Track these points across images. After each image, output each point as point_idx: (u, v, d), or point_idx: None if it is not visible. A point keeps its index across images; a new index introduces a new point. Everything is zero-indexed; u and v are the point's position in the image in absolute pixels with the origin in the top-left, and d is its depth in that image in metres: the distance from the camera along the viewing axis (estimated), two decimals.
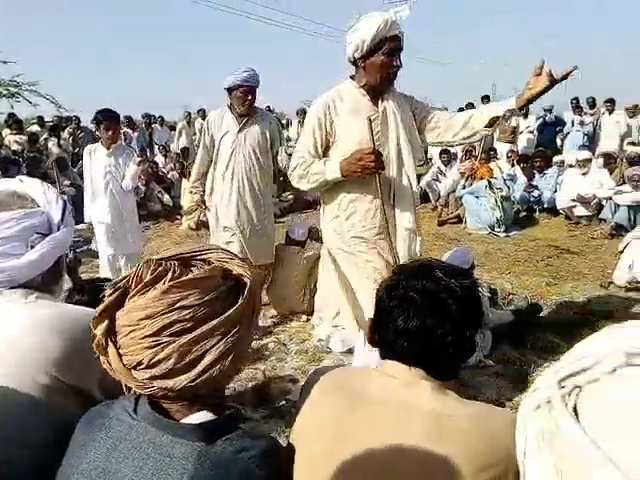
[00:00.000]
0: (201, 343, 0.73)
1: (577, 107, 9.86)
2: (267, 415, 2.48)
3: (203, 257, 0.80)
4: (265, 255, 3.60)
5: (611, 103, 9.32)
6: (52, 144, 9.05)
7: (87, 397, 0.95)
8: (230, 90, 3.37)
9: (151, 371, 0.74)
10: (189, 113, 11.50)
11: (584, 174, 6.67)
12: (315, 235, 4.02)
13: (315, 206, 8.01)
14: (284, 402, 2.55)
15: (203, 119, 12.26)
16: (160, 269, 0.75)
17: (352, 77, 2.47)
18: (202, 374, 0.74)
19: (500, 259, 5.24)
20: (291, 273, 3.62)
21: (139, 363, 0.74)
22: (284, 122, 11.61)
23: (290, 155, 3.38)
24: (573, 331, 3.31)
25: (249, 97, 3.34)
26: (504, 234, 6.25)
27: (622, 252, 4.20)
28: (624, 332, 0.57)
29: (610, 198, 6.09)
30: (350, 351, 3.14)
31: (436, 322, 0.96)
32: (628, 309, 3.72)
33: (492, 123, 2.39)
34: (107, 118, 3.82)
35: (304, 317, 3.63)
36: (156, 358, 0.73)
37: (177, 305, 0.72)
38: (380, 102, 2.40)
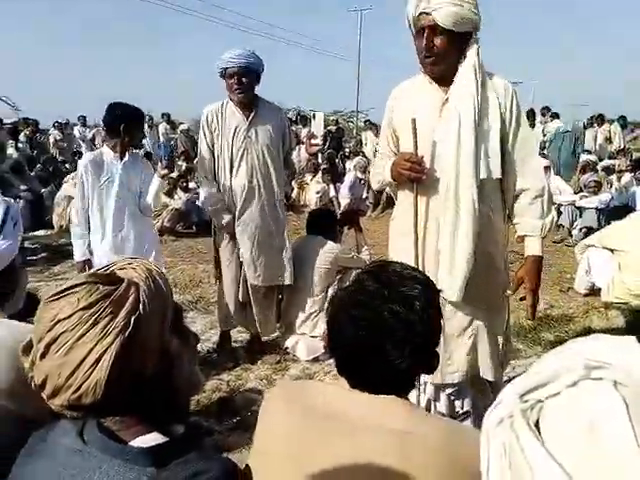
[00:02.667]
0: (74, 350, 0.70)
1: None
2: (232, 427, 2.43)
3: (109, 270, 0.78)
4: (279, 275, 3.10)
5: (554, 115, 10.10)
6: (11, 148, 8.77)
7: (32, 424, 0.90)
8: (222, 76, 2.84)
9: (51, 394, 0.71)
10: (151, 117, 11.23)
11: None
12: None
13: None
14: (249, 414, 2.51)
15: (168, 123, 12.05)
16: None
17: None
18: (85, 379, 0.69)
19: None
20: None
21: (41, 386, 0.71)
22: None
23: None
24: (534, 336, 3.40)
25: (239, 81, 2.78)
26: None
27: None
28: (582, 346, 0.58)
29: (573, 203, 6.31)
30: (316, 359, 3.13)
31: (364, 326, 0.93)
32: (585, 313, 3.84)
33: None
34: (131, 117, 2.78)
35: None
36: (42, 378, 0.70)
37: (55, 319, 0.70)
38: (448, 90, 1.86)
